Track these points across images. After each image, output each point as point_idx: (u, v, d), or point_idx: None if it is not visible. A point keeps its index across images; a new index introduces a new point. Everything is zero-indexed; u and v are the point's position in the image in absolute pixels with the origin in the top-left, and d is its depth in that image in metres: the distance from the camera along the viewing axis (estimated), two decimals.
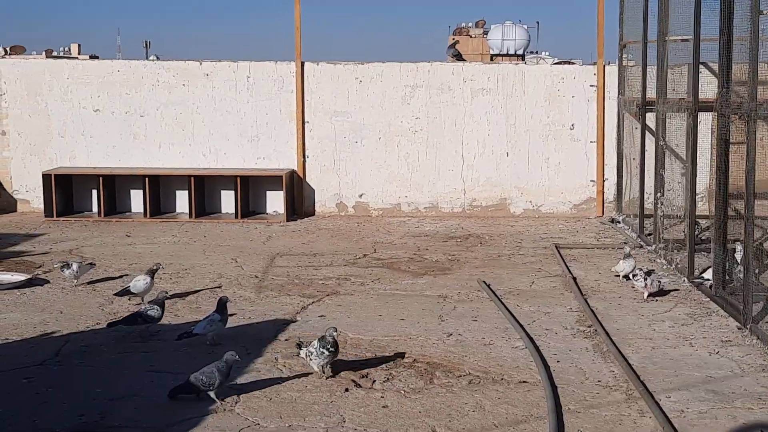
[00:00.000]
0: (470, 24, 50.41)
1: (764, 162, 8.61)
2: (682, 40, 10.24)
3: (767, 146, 9.81)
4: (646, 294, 8.38)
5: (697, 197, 9.84)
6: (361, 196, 13.56)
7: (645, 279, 8.38)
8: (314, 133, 13.47)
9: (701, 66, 10.79)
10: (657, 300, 8.39)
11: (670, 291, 8.65)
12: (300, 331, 7.38)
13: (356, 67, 13.48)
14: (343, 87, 13.44)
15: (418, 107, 13.44)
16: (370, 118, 13.46)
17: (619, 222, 12.68)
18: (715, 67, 8.66)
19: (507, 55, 38.19)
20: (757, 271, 7.91)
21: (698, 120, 9.42)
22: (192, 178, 12.93)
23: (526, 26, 40.04)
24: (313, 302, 8.42)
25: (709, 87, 9.91)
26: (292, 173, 13.36)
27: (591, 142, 13.36)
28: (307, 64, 13.45)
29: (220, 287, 8.94)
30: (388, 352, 6.87)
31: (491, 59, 40.70)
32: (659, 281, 8.53)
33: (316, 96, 13.45)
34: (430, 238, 11.83)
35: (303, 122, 13.40)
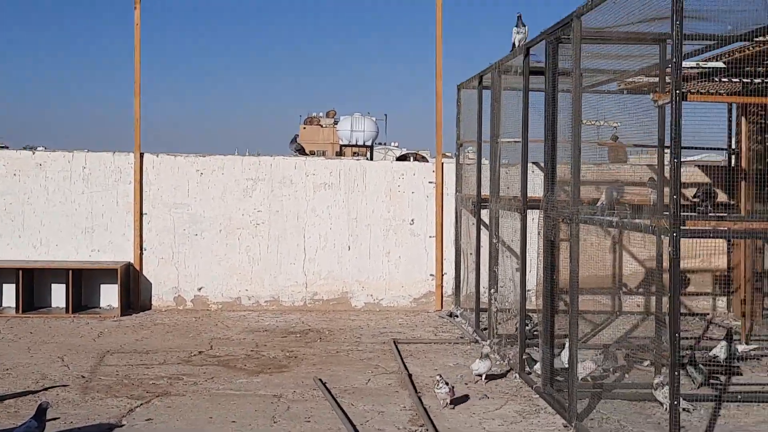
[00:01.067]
0: (321, 114, 51.03)
1: (588, 260, 8.99)
2: (514, 142, 10.65)
3: (595, 244, 10.25)
4: (448, 400, 8.25)
5: (529, 293, 10.12)
6: (200, 289, 13.34)
7: (446, 386, 8.23)
8: (152, 225, 13.24)
9: (534, 165, 11.26)
10: (480, 399, 8.48)
11: (467, 397, 8.54)
12: None
13: (197, 159, 13.40)
14: (184, 179, 13.31)
15: (260, 200, 13.43)
16: (210, 210, 13.34)
17: (457, 316, 12.89)
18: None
19: (356, 145, 38.79)
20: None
21: (531, 217, 9.75)
22: (20, 271, 12.43)
23: (374, 118, 40.76)
24: (141, 404, 8.13)
25: (542, 185, 10.30)
26: (128, 266, 13.04)
27: (430, 236, 13.62)
28: (146, 156, 13.28)
29: (44, 389, 8.53)
30: None
31: (341, 149, 41.20)
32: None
33: (155, 187, 13.26)
34: (270, 334, 11.70)
35: (141, 214, 13.16)
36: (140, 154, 13.22)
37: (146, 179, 13.24)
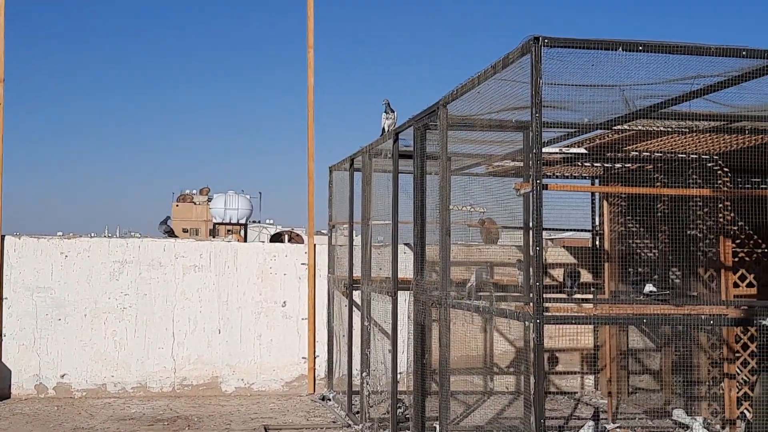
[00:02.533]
0: (194, 191, 50.51)
1: (459, 341, 9.06)
2: (385, 224, 10.73)
3: (466, 324, 10.34)
4: None
5: (401, 375, 10.10)
6: (63, 376, 12.81)
7: None
8: (13, 309, 12.70)
9: (405, 246, 11.36)
10: None
11: None
12: None
13: (62, 241, 12.99)
14: (47, 262, 12.86)
15: (127, 283, 13.07)
16: (75, 294, 12.91)
17: (330, 399, 12.75)
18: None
19: (230, 223, 38.45)
20: None
21: (402, 298, 9.77)
22: None
23: (249, 196, 40.57)
24: None
25: (412, 266, 10.38)
26: None
27: (303, 319, 13.50)
28: (8, 238, 12.80)
29: None
30: None
31: (215, 227, 40.76)
32: None
33: (17, 271, 12.76)
34: (136, 422, 11.28)
35: (1, 298, 12.62)
36: (1, 236, 12.74)
37: (7, 262, 12.74)
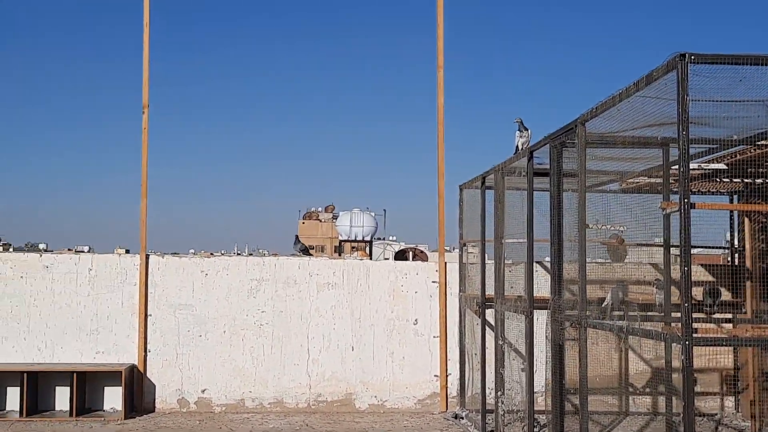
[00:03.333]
0: (320, 209, 51.17)
1: (595, 360, 8.97)
2: (518, 242, 10.71)
3: (601, 343, 10.23)
4: None
5: (536, 394, 10.05)
6: (203, 391, 13.23)
7: None
8: (157, 326, 13.21)
9: (538, 264, 11.32)
10: None
11: None
12: None
13: (202, 260, 13.45)
14: (189, 280, 13.33)
15: (264, 301, 13.42)
16: (215, 311, 13.33)
17: (463, 418, 12.76)
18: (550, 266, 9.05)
19: (355, 240, 38.91)
20: None
21: (536, 317, 9.73)
22: (25, 374, 12.34)
23: (373, 213, 40.99)
24: None
25: (547, 283, 10.34)
26: (133, 368, 12.96)
27: (434, 337, 13.58)
28: (152, 257, 13.33)
29: None
30: None
31: (340, 244, 41.23)
32: None
33: (160, 289, 13.27)
34: None
35: (146, 315, 13.15)
36: (146, 255, 13.27)
37: (151, 280, 13.27)
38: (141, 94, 13.37)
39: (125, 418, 12.47)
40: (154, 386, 13.15)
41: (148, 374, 13.14)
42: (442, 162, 13.73)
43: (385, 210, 43.20)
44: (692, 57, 5.74)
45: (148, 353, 13.16)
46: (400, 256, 30.43)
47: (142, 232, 13.26)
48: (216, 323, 13.33)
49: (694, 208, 5.90)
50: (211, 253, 13.56)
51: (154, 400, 13.16)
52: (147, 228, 13.29)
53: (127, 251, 13.05)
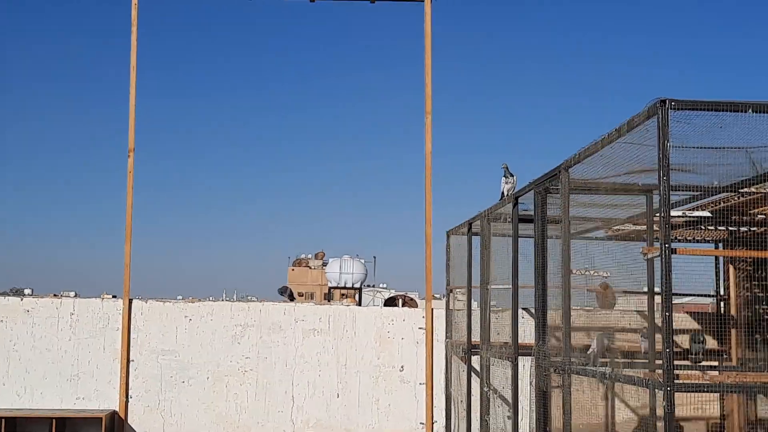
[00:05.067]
0: (310, 255, 51.08)
1: (580, 408, 8.88)
2: (504, 288, 10.68)
3: (587, 391, 10.14)
4: None
5: None
6: None
7: None
8: (139, 372, 13.07)
9: (524, 311, 11.26)
10: None
11: None
12: None
13: (186, 305, 13.35)
14: (172, 325, 13.22)
15: (248, 347, 13.31)
16: (198, 357, 13.21)
17: None
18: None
19: (345, 287, 38.80)
20: None
21: (522, 364, 9.67)
22: (3, 420, 12.16)
23: (363, 260, 40.91)
24: None
25: (532, 329, 10.28)
26: (114, 414, 12.80)
27: (420, 384, 13.47)
28: (135, 302, 13.23)
29: None
30: None
31: (329, 291, 41.13)
32: None
33: (143, 334, 13.16)
34: None
35: (128, 361, 13.02)
36: (129, 300, 13.18)
37: (134, 325, 13.15)
38: (127, 138, 13.38)
39: None
40: None
41: (129, 421, 12.97)
42: (430, 208, 13.74)
43: (375, 257, 43.08)
44: (672, 103, 5.77)
45: (129, 399, 13.00)
46: (390, 303, 30.34)
47: (126, 276, 13.17)
48: (199, 369, 13.20)
49: (675, 253, 5.88)
50: (204, 299, 13.48)
51: None
52: (131, 272, 13.22)
53: (114, 297, 12.95)
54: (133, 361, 13.08)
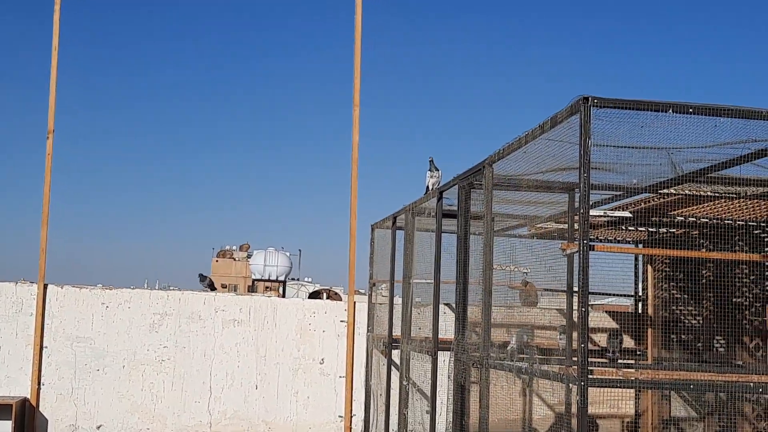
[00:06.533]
0: (234, 247, 50.59)
1: (498, 404, 8.92)
2: (427, 283, 10.68)
3: (505, 388, 10.20)
4: None
5: None
6: (99, 427, 12.80)
7: None
8: (53, 358, 12.76)
9: (446, 306, 11.28)
10: None
11: None
12: None
13: (103, 292, 13.08)
14: (88, 312, 12.94)
15: (166, 336, 13.10)
16: (114, 345, 12.95)
17: None
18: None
19: (269, 280, 38.52)
20: None
21: (442, 359, 9.67)
22: None
23: (288, 253, 40.67)
24: None
25: (453, 325, 10.30)
26: (24, 401, 12.48)
27: (340, 377, 13.41)
28: (50, 287, 12.91)
29: None
30: None
31: (253, 283, 40.83)
32: None
33: (57, 320, 12.85)
34: None
35: (41, 347, 12.70)
36: (44, 285, 12.86)
37: (49, 311, 12.84)
38: (47, 119, 13.05)
39: None
40: (47, 421, 12.68)
41: (41, 408, 12.66)
42: (355, 200, 13.68)
43: (300, 250, 42.86)
44: (595, 101, 5.79)
45: (42, 386, 12.69)
46: (314, 297, 30.21)
47: (42, 260, 12.85)
48: (115, 357, 12.95)
49: (593, 249, 5.92)
50: (117, 287, 13.20)
51: None
52: (48, 258, 12.91)
53: (31, 282, 12.61)
54: (46, 347, 12.77)
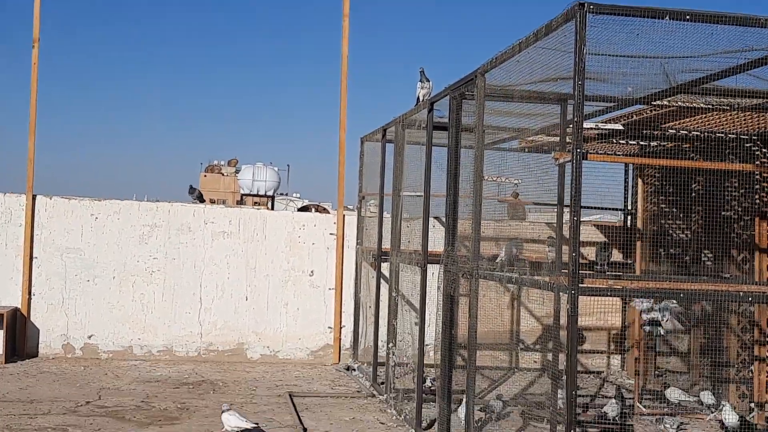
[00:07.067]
0: (222, 162, 50.49)
1: (487, 316, 9.00)
2: (417, 196, 10.66)
3: (493, 299, 10.28)
4: None
5: (428, 347, 10.06)
6: (90, 337, 12.89)
7: None
8: (42, 269, 12.78)
9: (435, 220, 11.29)
10: None
11: None
12: None
13: (92, 203, 13.03)
14: (78, 223, 12.92)
15: (156, 247, 13.11)
16: (105, 256, 12.96)
17: (355, 370, 12.75)
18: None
19: (257, 195, 38.46)
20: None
21: (431, 272, 9.71)
22: None
23: (277, 168, 40.51)
24: None
25: (442, 239, 10.32)
26: (15, 311, 12.54)
27: (330, 289, 13.49)
28: (39, 198, 12.86)
29: None
30: None
31: (242, 198, 40.81)
32: None
33: (47, 231, 12.83)
34: (162, 384, 11.34)
35: (31, 257, 12.70)
36: (33, 195, 12.80)
37: (38, 222, 12.81)
38: (32, 28, 12.82)
39: (6, 362, 12.07)
40: (38, 331, 12.76)
41: (32, 318, 12.72)
42: (345, 113, 13.58)
43: (288, 165, 42.67)
44: (591, 6, 5.70)
45: (32, 297, 12.73)
46: (303, 212, 30.20)
47: (30, 170, 12.76)
48: (105, 268, 12.97)
49: (586, 159, 5.89)
50: (106, 198, 13.15)
51: (38, 344, 12.77)
52: (35, 168, 12.81)
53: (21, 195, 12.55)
54: (36, 258, 12.77)
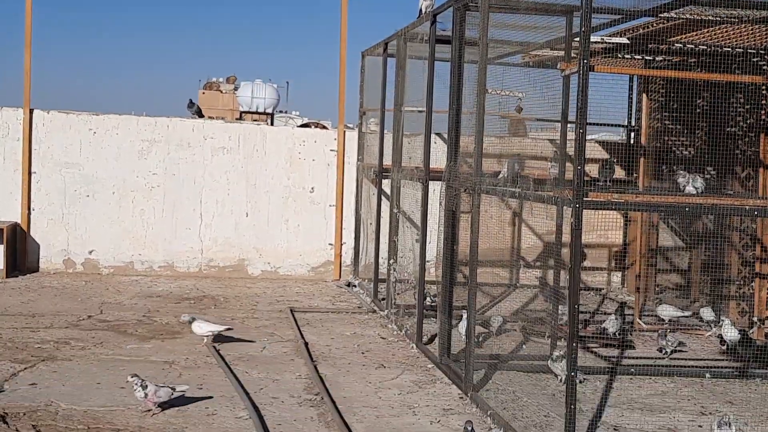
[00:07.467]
0: (221, 79, 50.07)
1: (488, 232, 8.95)
2: (419, 111, 10.53)
3: (495, 216, 10.23)
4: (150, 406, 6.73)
5: (428, 264, 10.05)
6: (90, 252, 12.89)
7: (143, 390, 6.69)
8: (42, 184, 12.71)
9: (437, 136, 11.17)
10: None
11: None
12: (7, 401, 6.76)
13: (91, 117, 12.90)
14: (76, 138, 12.81)
15: (155, 163, 13.02)
16: (104, 171, 12.88)
17: (355, 286, 12.79)
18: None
19: (257, 112, 38.14)
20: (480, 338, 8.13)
21: (432, 189, 9.65)
22: None
23: (276, 85, 40.12)
24: (25, 368, 7.78)
25: (444, 156, 10.23)
26: (15, 226, 12.51)
27: (330, 205, 13.44)
28: (36, 112, 12.72)
29: None
30: (102, 424, 6.41)
31: (241, 116, 40.50)
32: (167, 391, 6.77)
33: (45, 146, 12.73)
34: (163, 299, 11.38)
35: (29, 173, 12.63)
36: (30, 110, 12.66)
37: (36, 137, 12.69)
38: None
39: (7, 277, 12.09)
40: (39, 246, 12.75)
41: (32, 233, 12.71)
42: (345, 26, 13.37)
43: (288, 82, 42.20)
44: None
45: (32, 212, 12.69)
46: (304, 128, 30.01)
47: (26, 84, 12.60)
48: (104, 184, 12.91)
49: (593, 70, 5.77)
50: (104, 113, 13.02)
51: (39, 260, 12.78)
52: (31, 81, 12.64)
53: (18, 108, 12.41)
54: (35, 173, 12.69)
